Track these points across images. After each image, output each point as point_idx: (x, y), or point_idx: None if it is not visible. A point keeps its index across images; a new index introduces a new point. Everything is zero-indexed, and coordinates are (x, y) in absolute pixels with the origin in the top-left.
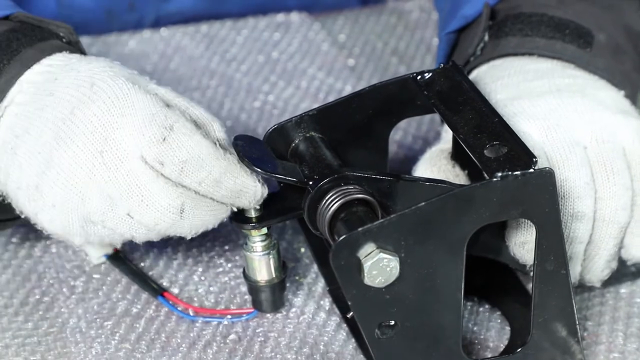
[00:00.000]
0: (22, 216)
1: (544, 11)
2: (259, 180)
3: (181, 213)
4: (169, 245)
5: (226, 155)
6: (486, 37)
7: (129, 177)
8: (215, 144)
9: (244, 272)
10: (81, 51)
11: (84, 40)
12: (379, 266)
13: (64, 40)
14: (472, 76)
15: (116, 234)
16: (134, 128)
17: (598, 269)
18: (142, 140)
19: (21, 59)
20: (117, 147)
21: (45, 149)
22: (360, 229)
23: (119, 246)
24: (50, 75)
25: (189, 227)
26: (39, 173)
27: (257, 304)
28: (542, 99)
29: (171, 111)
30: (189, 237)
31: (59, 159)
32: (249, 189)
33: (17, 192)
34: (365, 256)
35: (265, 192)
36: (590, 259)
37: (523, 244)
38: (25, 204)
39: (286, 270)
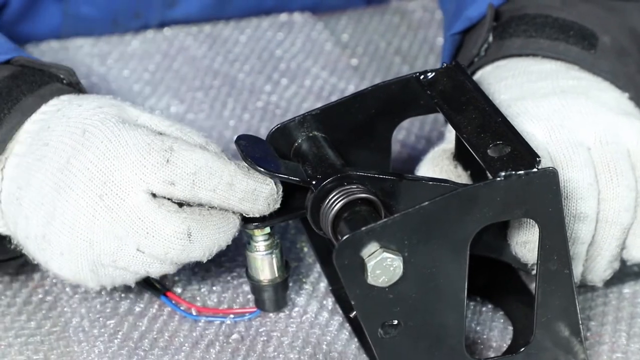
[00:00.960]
0: (35, 262)
1: (548, 12)
2: (278, 184)
3: (189, 237)
4: None
5: (232, 161)
6: (490, 38)
7: (132, 213)
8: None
9: (246, 271)
10: (81, 92)
11: (87, 42)
12: (383, 265)
13: (64, 82)
14: (476, 77)
15: (130, 272)
16: (134, 163)
17: (600, 269)
18: (145, 171)
19: (21, 107)
20: (117, 188)
21: (47, 200)
22: (363, 228)
23: (132, 285)
24: (44, 124)
25: (201, 249)
26: (45, 223)
27: (259, 304)
28: (546, 100)
29: (166, 136)
30: (205, 260)
31: (62, 209)
32: (263, 189)
33: (26, 241)
34: (369, 256)
35: (280, 189)
36: (593, 259)
37: (525, 243)
38: (35, 253)
39: (289, 270)
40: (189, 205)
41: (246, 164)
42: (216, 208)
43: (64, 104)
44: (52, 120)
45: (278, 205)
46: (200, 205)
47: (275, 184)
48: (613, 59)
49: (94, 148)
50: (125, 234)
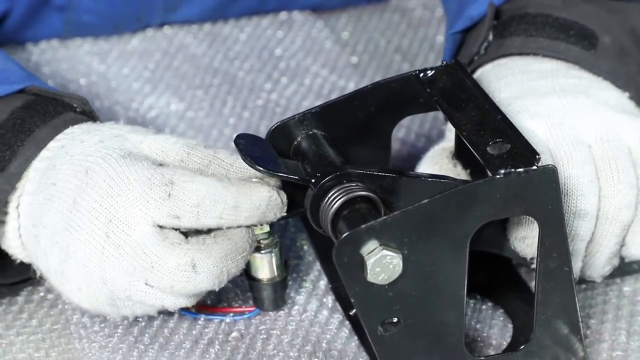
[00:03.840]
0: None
1: (549, 12)
2: (272, 188)
3: (194, 268)
4: None
5: (233, 181)
6: (490, 37)
7: (137, 247)
8: (220, 176)
9: (245, 270)
10: (94, 120)
11: (87, 40)
12: (382, 263)
13: (77, 110)
14: (476, 75)
15: (147, 305)
16: (136, 199)
17: (599, 266)
18: (149, 206)
19: (35, 139)
20: (122, 224)
21: (60, 239)
22: (363, 226)
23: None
24: (49, 162)
25: (208, 279)
26: (61, 261)
27: (258, 303)
28: (546, 98)
29: (165, 168)
30: (217, 288)
31: (74, 247)
32: (268, 201)
33: (48, 275)
34: (368, 253)
35: (284, 197)
36: (592, 256)
37: (523, 238)
38: (57, 287)
39: (288, 269)
40: (197, 232)
41: (242, 165)
42: (223, 230)
43: (68, 140)
44: (57, 158)
45: (285, 212)
46: (209, 230)
47: (278, 192)
48: (613, 59)
49: (97, 187)
50: (133, 269)
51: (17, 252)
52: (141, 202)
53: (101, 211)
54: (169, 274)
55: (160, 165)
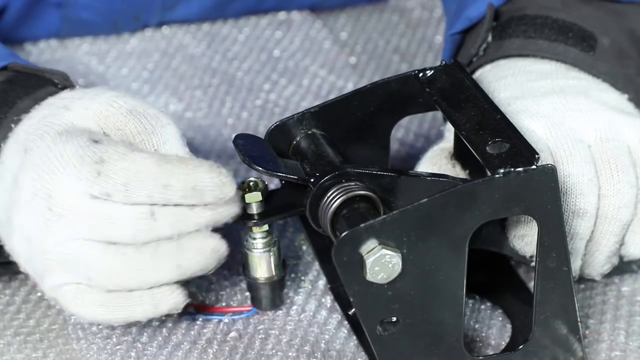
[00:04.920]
0: None
1: (548, 13)
2: (212, 166)
3: (152, 215)
4: None
5: (170, 159)
6: (489, 38)
7: (90, 212)
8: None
9: (243, 269)
10: None
11: (86, 40)
12: (381, 262)
13: (59, 86)
14: (475, 76)
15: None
16: (70, 176)
17: (598, 264)
18: (81, 183)
19: (17, 111)
20: (63, 198)
21: (6, 216)
22: (362, 225)
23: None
24: (4, 142)
25: (169, 226)
26: (7, 236)
27: (256, 302)
28: (546, 99)
29: (99, 145)
30: (176, 236)
31: (17, 222)
32: (206, 183)
33: (10, 252)
34: (368, 252)
35: (226, 177)
36: (591, 255)
37: (522, 236)
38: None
39: (286, 269)
40: None
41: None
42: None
43: (21, 122)
44: (9, 136)
45: (228, 195)
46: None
47: (220, 173)
48: (612, 60)
49: (34, 166)
50: (89, 232)
51: None
52: (74, 179)
53: (39, 188)
54: (130, 223)
55: (96, 142)
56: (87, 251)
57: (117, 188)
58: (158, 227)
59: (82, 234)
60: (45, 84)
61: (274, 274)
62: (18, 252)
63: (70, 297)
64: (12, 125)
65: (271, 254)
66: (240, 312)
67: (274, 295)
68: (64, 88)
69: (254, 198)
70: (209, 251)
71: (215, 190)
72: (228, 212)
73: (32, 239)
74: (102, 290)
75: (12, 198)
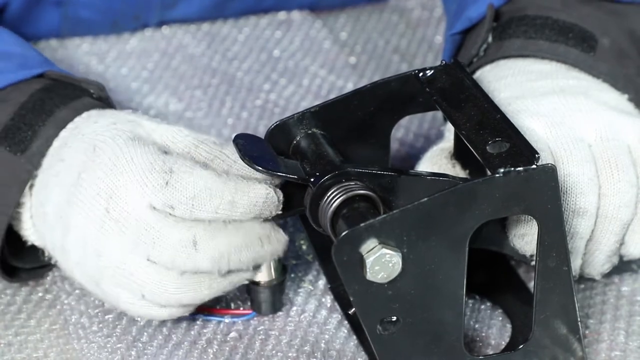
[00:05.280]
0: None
1: (548, 14)
2: (269, 186)
3: (195, 245)
4: None
5: (232, 177)
6: (489, 39)
7: (138, 223)
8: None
9: None
10: (110, 106)
11: (86, 40)
12: (382, 262)
13: (94, 96)
14: (475, 76)
15: (135, 292)
16: (137, 181)
17: (598, 264)
18: (147, 190)
19: (55, 120)
20: (122, 201)
21: (64, 213)
22: (362, 224)
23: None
24: (62, 142)
25: (208, 259)
26: (63, 235)
27: (255, 306)
28: (546, 98)
29: (169, 156)
30: (217, 273)
31: (75, 221)
32: (265, 198)
33: (54, 253)
34: (368, 252)
35: (281, 195)
36: (591, 254)
37: (523, 235)
38: (60, 264)
39: (286, 273)
40: None
41: (245, 164)
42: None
43: (83, 120)
44: (69, 137)
45: (280, 210)
46: None
47: (275, 191)
48: (612, 61)
49: (102, 164)
50: (134, 245)
51: (29, 233)
52: (140, 184)
53: (103, 187)
54: (170, 248)
55: (165, 153)
56: (140, 270)
57: (183, 201)
58: (198, 258)
59: (133, 246)
60: (82, 94)
61: (273, 277)
62: (70, 253)
63: (124, 303)
64: (53, 135)
65: None
66: (239, 315)
67: (273, 299)
68: (99, 98)
69: None
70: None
71: (272, 206)
72: (273, 252)
73: (87, 242)
74: (156, 305)
75: (72, 196)
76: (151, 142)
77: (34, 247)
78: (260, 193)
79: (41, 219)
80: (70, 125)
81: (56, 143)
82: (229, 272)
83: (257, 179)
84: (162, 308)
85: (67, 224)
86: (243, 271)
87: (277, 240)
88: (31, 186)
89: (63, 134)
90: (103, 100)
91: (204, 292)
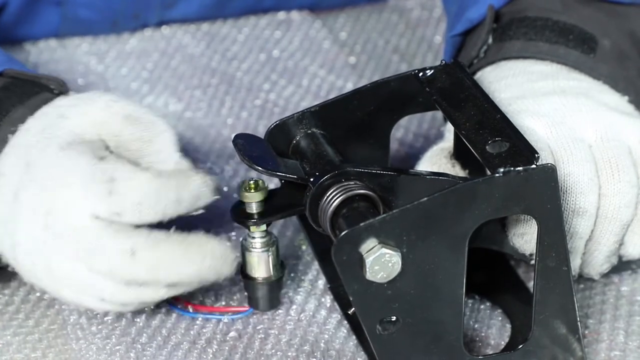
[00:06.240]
0: None
1: (548, 15)
2: (200, 172)
3: (133, 255)
4: None
5: (169, 173)
6: (490, 40)
7: (77, 236)
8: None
9: (241, 268)
10: None
11: (85, 40)
12: (381, 261)
13: (55, 92)
14: (476, 77)
15: (89, 295)
16: (76, 195)
17: (597, 264)
18: (88, 202)
19: (11, 119)
20: (62, 215)
21: (9, 229)
22: (362, 224)
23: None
24: (6, 151)
25: (146, 269)
26: (11, 249)
27: (253, 302)
28: (547, 99)
29: (107, 163)
30: (160, 289)
31: (18, 238)
32: (204, 187)
33: (10, 262)
34: (367, 251)
35: (214, 180)
36: (590, 254)
37: (522, 234)
38: (20, 273)
39: (284, 270)
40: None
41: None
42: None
43: (19, 130)
44: (7, 148)
45: (217, 196)
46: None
47: (210, 178)
48: (613, 62)
49: (36, 182)
50: (75, 255)
51: None
52: (80, 197)
53: (40, 204)
54: (108, 258)
55: (102, 158)
56: (87, 280)
57: (129, 207)
58: (136, 269)
59: (75, 258)
60: (41, 90)
61: (271, 274)
62: (23, 267)
63: (93, 305)
64: (9, 136)
65: (269, 254)
66: (237, 312)
67: (271, 295)
68: (59, 94)
69: (254, 198)
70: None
71: (209, 193)
72: (217, 269)
73: (34, 257)
74: (118, 304)
75: (12, 213)
76: (83, 144)
77: None
78: (198, 183)
79: None
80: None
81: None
82: (172, 286)
83: (188, 169)
84: (125, 306)
85: (13, 240)
86: (185, 286)
87: (221, 257)
88: None
89: (14, 137)
90: (64, 95)
91: (149, 299)
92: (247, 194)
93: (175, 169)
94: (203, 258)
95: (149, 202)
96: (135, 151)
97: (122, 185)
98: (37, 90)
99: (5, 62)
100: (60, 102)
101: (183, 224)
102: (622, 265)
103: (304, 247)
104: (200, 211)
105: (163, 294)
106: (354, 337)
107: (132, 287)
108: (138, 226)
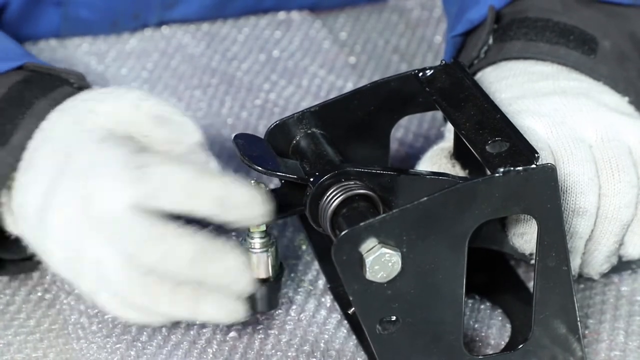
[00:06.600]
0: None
1: (549, 16)
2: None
3: (163, 238)
4: None
5: (209, 170)
6: (490, 41)
7: (115, 222)
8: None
9: None
10: None
11: (85, 40)
12: (381, 261)
13: (74, 86)
14: (476, 78)
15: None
16: (115, 182)
17: (597, 264)
18: (126, 190)
19: (35, 112)
20: (101, 201)
21: (41, 217)
22: (362, 223)
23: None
24: (35, 143)
25: (173, 257)
26: (43, 237)
27: (250, 302)
28: (547, 99)
29: (144, 154)
30: (184, 272)
31: (52, 224)
32: (238, 198)
33: (37, 252)
34: (367, 251)
35: (262, 193)
36: (590, 254)
37: (522, 234)
38: (45, 262)
39: (283, 271)
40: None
41: (245, 164)
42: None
43: (53, 123)
44: (39, 141)
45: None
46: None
47: (260, 191)
48: (613, 63)
49: (79, 171)
50: (110, 243)
51: (12, 228)
52: (117, 182)
53: (80, 191)
54: (140, 242)
55: (139, 151)
56: (115, 265)
57: (165, 196)
58: (167, 252)
59: (109, 242)
60: (61, 84)
61: (270, 275)
62: (53, 253)
63: (103, 302)
64: (34, 128)
65: (268, 254)
66: None
67: (269, 297)
68: (79, 88)
69: None
70: (225, 312)
71: (259, 208)
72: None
73: (67, 243)
74: (128, 307)
75: (48, 201)
76: (121, 139)
77: (19, 239)
78: (233, 190)
79: (22, 219)
80: (44, 124)
81: (36, 137)
82: (196, 289)
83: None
84: (131, 310)
85: (45, 227)
86: (208, 293)
87: (238, 268)
88: (9, 187)
89: (45, 124)
90: (84, 89)
91: (166, 298)
92: None
93: (212, 169)
94: (224, 261)
95: (186, 193)
96: (165, 152)
97: (156, 170)
98: (57, 84)
99: (24, 56)
100: (86, 96)
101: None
102: (622, 265)
103: (304, 247)
104: (262, 227)
105: (183, 294)
106: (353, 337)
107: (154, 281)
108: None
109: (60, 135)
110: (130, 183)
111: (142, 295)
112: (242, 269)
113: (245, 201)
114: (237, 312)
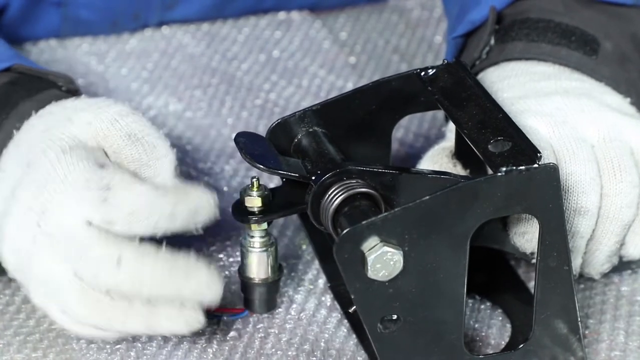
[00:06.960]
0: None
1: (550, 17)
2: (203, 189)
3: (119, 263)
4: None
5: (169, 188)
6: (492, 41)
7: (68, 238)
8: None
9: (239, 268)
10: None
11: (86, 40)
12: (383, 260)
13: (62, 89)
14: (478, 78)
15: (66, 302)
16: (72, 199)
17: (598, 263)
18: (83, 207)
19: (19, 113)
20: (56, 217)
21: (1, 222)
22: (364, 222)
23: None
24: (7, 147)
25: (128, 278)
26: (0, 242)
27: (248, 303)
28: (549, 99)
29: (105, 171)
30: (137, 297)
31: (8, 232)
32: (204, 204)
33: None
34: (369, 249)
35: (215, 197)
36: (591, 254)
37: (523, 233)
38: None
39: (282, 272)
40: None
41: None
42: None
43: (23, 127)
44: (10, 145)
45: (218, 216)
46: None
47: (211, 194)
48: (614, 64)
49: (36, 181)
50: (62, 259)
51: None
52: (76, 202)
53: (36, 203)
54: (95, 263)
55: (102, 166)
56: (66, 283)
57: (120, 217)
58: (120, 277)
59: (62, 259)
60: (48, 86)
61: (269, 275)
62: (7, 260)
63: (54, 314)
64: (14, 131)
65: (268, 254)
66: (232, 314)
67: (267, 297)
68: (67, 91)
69: (255, 196)
70: (183, 323)
71: (209, 210)
72: (197, 292)
73: (20, 252)
74: (76, 322)
75: (7, 208)
76: (85, 150)
77: None
78: (196, 198)
79: None
80: (25, 126)
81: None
82: (150, 303)
83: (187, 186)
84: (82, 326)
85: (3, 233)
86: (163, 306)
87: (206, 283)
88: None
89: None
90: (72, 92)
91: (119, 318)
92: (248, 192)
93: (175, 185)
94: (187, 279)
95: (142, 214)
96: (133, 171)
97: (117, 195)
98: (44, 86)
99: (13, 57)
100: (68, 104)
101: (183, 238)
102: (622, 265)
103: (304, 247)
104: (200, 232)
105: (137, 311)
106: (354, 336)
107: (107, 301)
108: (131, 237)
109: (28, 141)
110: (91, 205)
111: (94, 315)
112: (209, 285)
113: (193, 210)
114: (197, 321)
